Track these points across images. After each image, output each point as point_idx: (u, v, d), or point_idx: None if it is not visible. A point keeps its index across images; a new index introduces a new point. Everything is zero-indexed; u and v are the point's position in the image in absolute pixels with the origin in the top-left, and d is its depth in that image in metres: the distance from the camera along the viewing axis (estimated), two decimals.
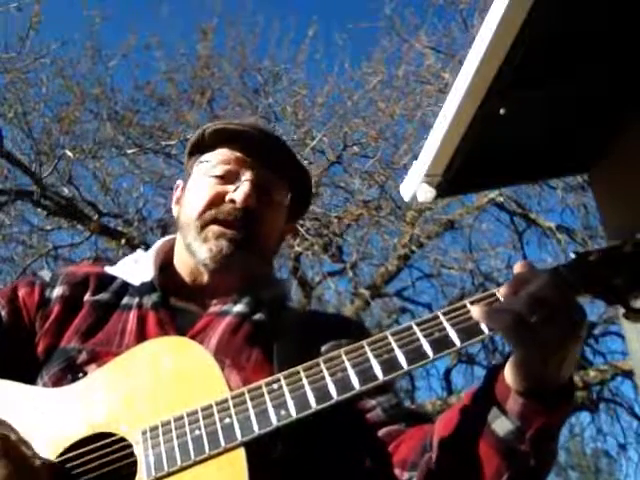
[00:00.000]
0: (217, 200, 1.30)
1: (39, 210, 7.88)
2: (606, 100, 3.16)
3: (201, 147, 1.39)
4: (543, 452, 0.96)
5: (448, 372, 9.69)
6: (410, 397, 9.50)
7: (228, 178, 1.32)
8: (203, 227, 1.29)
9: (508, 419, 0.96)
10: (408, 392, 9.72)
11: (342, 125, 7.99)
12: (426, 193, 3.40)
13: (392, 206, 7.77)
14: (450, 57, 8.23)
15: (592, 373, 8.56)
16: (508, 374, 0.97)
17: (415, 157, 3.63)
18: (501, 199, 8.41)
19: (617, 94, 3.13)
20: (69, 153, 7.52)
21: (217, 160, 1.34)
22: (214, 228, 1.29)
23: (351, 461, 1.15)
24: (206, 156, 1.37)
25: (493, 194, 8.07)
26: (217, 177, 1.33)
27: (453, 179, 3.33)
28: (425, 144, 3.39)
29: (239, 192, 1.29)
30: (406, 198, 3.57)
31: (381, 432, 1.14)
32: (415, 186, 3.43)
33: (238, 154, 1.33)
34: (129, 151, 7.98)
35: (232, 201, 1.29)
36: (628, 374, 8.23)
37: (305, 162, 7.57)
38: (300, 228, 7.40)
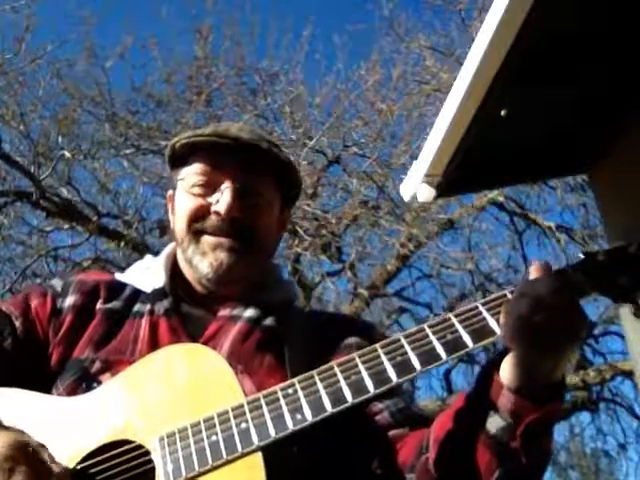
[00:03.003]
0: (200, 212, 1.29)
1: (38, 211, 7.88)
2: (606, 100, 3.15)
3: (177, 161, 1.36)
4: (534, 450, 0.97)
5: (448, 372, 9.64)
6: (410, 397, 9.47)
7: (208, 188, 1.30)
8: (196, 240, 1.29)
9: (500, 416, 0.97)
10: (408, 392, 9.69)
11: (340, 125, 7.99)
12: (426, 193, 3.39)
13: (391, 206, 7.76)
14: (448, 57, 8.24)
15: (592, 373, 8.55)
16: (504, 371, 0.98)
17: (413, 157, 3.62)
18: (501, 199, 8.41)
19: (617, 94, 3.12)
20: (67, 154, 7.51)
21: (193, 173, 1.32)
22: (208, 239, 1.28)
23: (362, 464, 1.16)
24: (183, 172, 1.34)
25: (493, 194, 8.07)
26: (196, 190, 1.30)
27: (453, 179, 3.33)
28: (425, 144, 3.38)
29: (221, 203, 1.27)
30: (406, 198, 3.56)
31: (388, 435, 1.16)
32: (415, 186, 3.42)
33: (213, 163, 1.31)
34: (127, 152, 7.97)
35: (217, 213, 1.28)
36: (628, 374, 8.23)
37: (304, 162, 7.57)
38: (299, 229, 7.39)
